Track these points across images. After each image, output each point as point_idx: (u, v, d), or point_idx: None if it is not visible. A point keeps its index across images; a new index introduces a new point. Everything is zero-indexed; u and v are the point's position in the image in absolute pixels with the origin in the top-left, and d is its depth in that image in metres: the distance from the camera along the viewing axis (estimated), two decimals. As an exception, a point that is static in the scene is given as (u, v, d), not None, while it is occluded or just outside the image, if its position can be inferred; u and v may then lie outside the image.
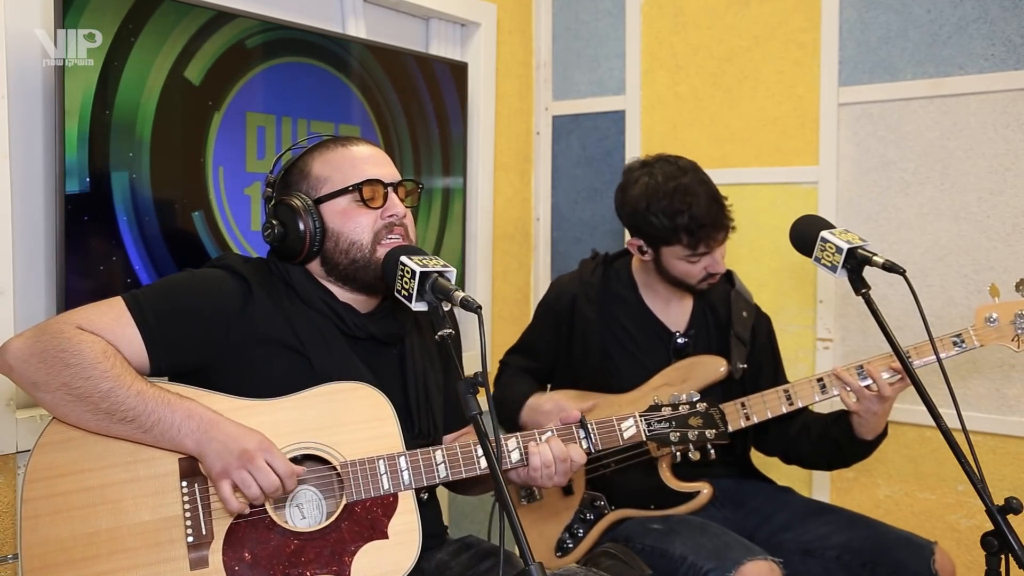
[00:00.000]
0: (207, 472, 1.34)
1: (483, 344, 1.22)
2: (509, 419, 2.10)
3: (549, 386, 2.30)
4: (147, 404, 1.31)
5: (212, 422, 1.34)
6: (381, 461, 1.44)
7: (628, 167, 2.13)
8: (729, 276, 2.22)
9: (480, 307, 1.28)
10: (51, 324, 1.36)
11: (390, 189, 1.55)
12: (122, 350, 1.37)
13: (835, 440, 2.01)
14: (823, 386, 1.93)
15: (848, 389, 1.89)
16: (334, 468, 1.42)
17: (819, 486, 2.68)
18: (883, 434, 1.99)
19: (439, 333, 1.32)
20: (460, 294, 1.31)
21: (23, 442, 1.80)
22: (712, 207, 1.99)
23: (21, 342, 1.33)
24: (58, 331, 1.33)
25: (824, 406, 2.05)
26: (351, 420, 1.45)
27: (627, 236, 2.15)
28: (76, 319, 1.36)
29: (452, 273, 1.38)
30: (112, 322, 1.38)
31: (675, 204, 1.98)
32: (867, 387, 1.86)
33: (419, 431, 1.58)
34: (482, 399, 1.22)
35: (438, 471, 1.47)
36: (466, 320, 2.88)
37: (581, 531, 2.02)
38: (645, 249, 2.08)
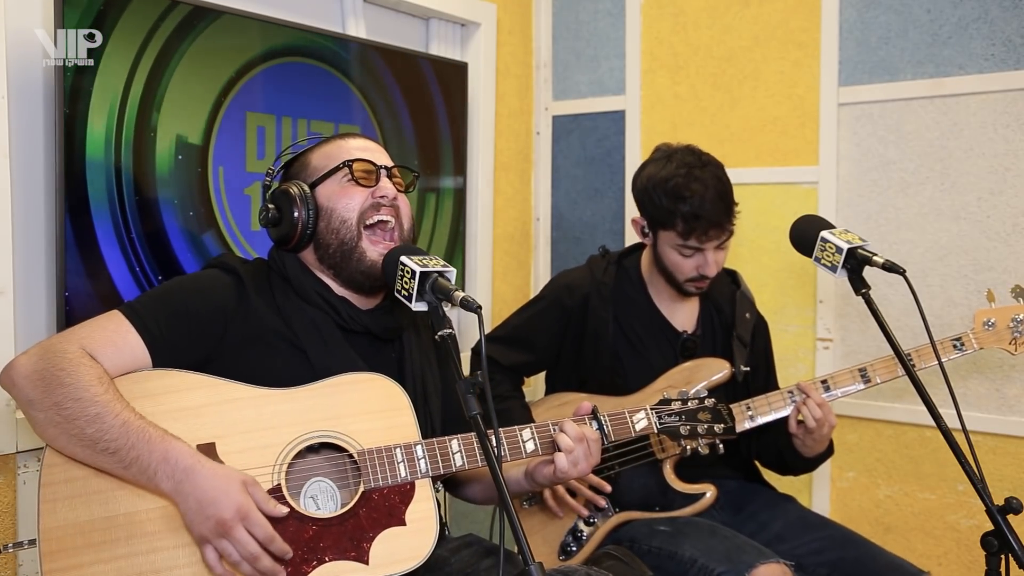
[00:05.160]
0: (186, 526, 1.30)
1: (483, 344, 1.22)
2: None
3: (545, 382, 2.29)
4: (129, 437, 1.28)
5: (187, 471, 1.27)
6: (398, 449, 1.45)
7: (656, 147, 2.14)
8: (735, 277, 2.23)
9: (480, 307, 1.28)
10: (54, 343, 1.36)
11: (383, 171, 1.57)
12: (125, 357, 1.37)
13: (780, 451, 2.05)
14: (827, 387, 1.94)
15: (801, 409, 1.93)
16: (351, 456, 1.44)
17: (819, 486, 2.68)
18: (827, 452, 2.02)
19: (439, 333, 1.32)
20: (460, 294, 1.32)
21: (23, 442, 1.81)
22: (717, 204, 1.97)
23: (26, 359, 1.34)
24: (61, 351, 1.33)
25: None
26: (367, 410, 1.47)
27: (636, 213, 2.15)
28: (78, 337, 1.37)
29: (452, 273, 1.38)
30: (113, 333, 1.39)
31: (680, 189, 1.97)
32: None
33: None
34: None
35: (454, 460, 1.48)
36: (466, 320, 2.89)
37: (584, 534, 2.01)
38: (647, 231, 2.09)
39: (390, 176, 1.58)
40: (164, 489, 1.29)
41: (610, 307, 2.13)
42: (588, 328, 2.13)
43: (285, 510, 1.34)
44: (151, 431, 1.30)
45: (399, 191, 1.59)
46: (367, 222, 1.53)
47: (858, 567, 1.86)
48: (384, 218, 1.54)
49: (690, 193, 1.96)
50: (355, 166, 1.55)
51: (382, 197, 1.55)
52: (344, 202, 1.53)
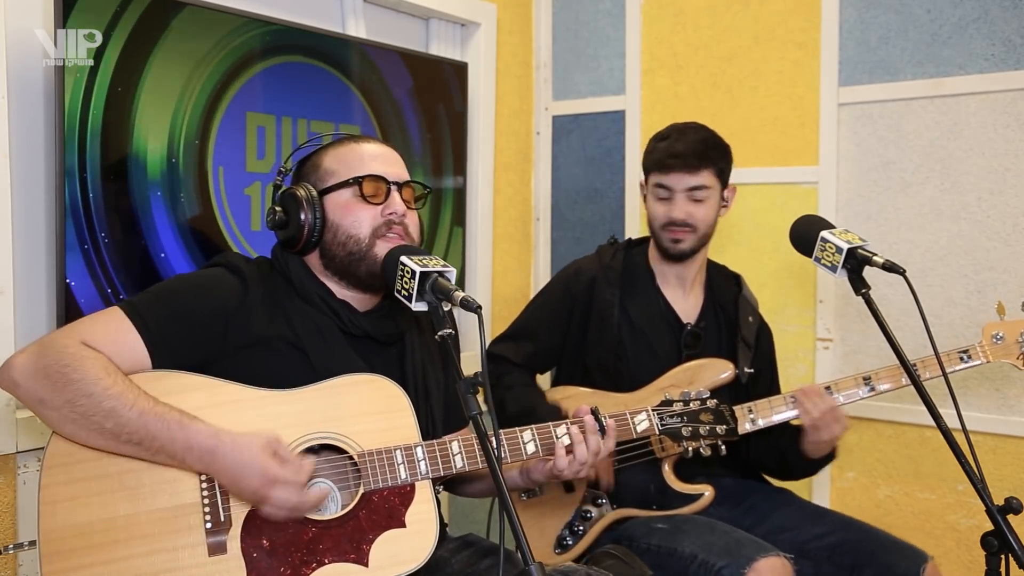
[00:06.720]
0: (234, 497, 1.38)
1: (483, 344, 1.22)
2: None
3: (552, 374, 2.29)
4: (148, 427, 1.30)
5: (211, 453, 1.31)
6: (398, 451, 1.45)
7: None
8: (737, 280, 2.23)
9: (480, 307, 1.28)
10: (54, 339, 1.35)
11: (393, 188, 1.56)
12: (125, 357, 1.37)
13: (783, 452, 2.05)
14: (828, 392, 1.94)
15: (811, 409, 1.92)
16: (351, 458, 1.43)
17: (819, 486, 2.68)
18: (830, 456, 2.03)
19: (439, 333, 1.32)
20: (460, 294, 1.31)
21: (23, 442, 1.81)
22: (695, 146, 2.05)
23: (25, 358, 1.32)
24: (62, 346, 1.32)
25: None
26: (367, 411, 1.47)
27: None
28: (77, 333, 1.36)
29: (452, 273, 1.38)
30: (114, 332, 1.38)
31: (667, 131, 2.11)
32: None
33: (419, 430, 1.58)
34: (482, 399, 1.22)
35: (455, 461, 1.48)
36: (466, 320, 2.89)
37: (581, 528, 2.01)
38: (645, 193, 2.16)
39: (401, 190, 1.57)
40: (196, 470, 1.35)
41: (616, 291, 2.14)
42: (593, 311, 2.14)
43: (310, 467, 1.36)
44: (169, 416, 1.32)
45: (408, 207, 1.57)
46: (378, 236, 1.53)
47: (860, 547, 1.87)
48: (392, 235, 1.54)
49: (669, 131, 2.11)
50: (365, 184, 1.53)
51: (391, 214, 1.54)
52: (350, 219, 1.53)
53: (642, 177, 2.18)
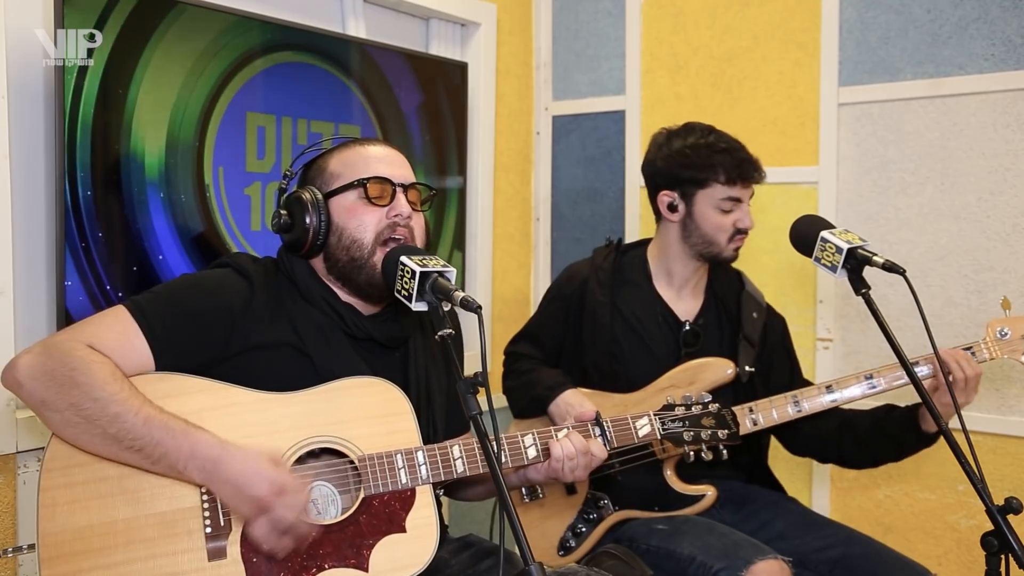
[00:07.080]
0: (230, 511, 1.35)
1: (483, 344, 1.22)
2: (536, 403, 2.04)
3: None
4: (153, 434, 1.29)
5: (215, 461, 1.30)
6: (399, 455, 1.45)
7: (656, 134, 2.18)
8: (740, 277, 2.23)
9: (480, 307, 1.28)
10: (59, 341, 1.34)
11: (399, 189, 1.55)
12: (130, 360, 1.37)
13: (893, 435, 1.96)
14: (830, 390, 1.93)
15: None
16: (351, 462, 1.43)
17: (820, 486, 2.68)
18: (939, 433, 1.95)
19: (439, 333, 1.32)
20: (460, 294, 1.31)
21: (23, 442, 1.81)
22: (747, 150, 2.07)
23: (30, 359, 1.32)
24: (68, 349, 1.32)
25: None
26: (368, 415, 1.46)
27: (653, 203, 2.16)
28: (83, 336, 1.35)
29: (452, 273, 1.38)
30: (119, 334, 1.37)
31: (711, 142, 2.06)
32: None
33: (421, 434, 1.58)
34: (482, 399, 1.22)
35: (455, 466, 1.48)
36: (466, 320, 2.89)
37: (584, 530, 2.01)
38: (676, 204, 2.09)
39: (406, 192, 1.56)
40: (196, 480, 1.32)
41: (607, 290, 2.13)
42: (586, 312, 2.14)
43: (311, 482, 1.36)
44: (173, 425, 1.31)
45: (414, 209, 1.57)
46: (382, 240, 1.53)
47: (864, 562, 1.86)
48: (397, 237, 1.53)
49: (723, 143, 2.06)
50: (370, 186, 1.53)
51: (397, 216, 1.53)
52: (355, 222, 1.52)
53: (668, 192, 2.10)
